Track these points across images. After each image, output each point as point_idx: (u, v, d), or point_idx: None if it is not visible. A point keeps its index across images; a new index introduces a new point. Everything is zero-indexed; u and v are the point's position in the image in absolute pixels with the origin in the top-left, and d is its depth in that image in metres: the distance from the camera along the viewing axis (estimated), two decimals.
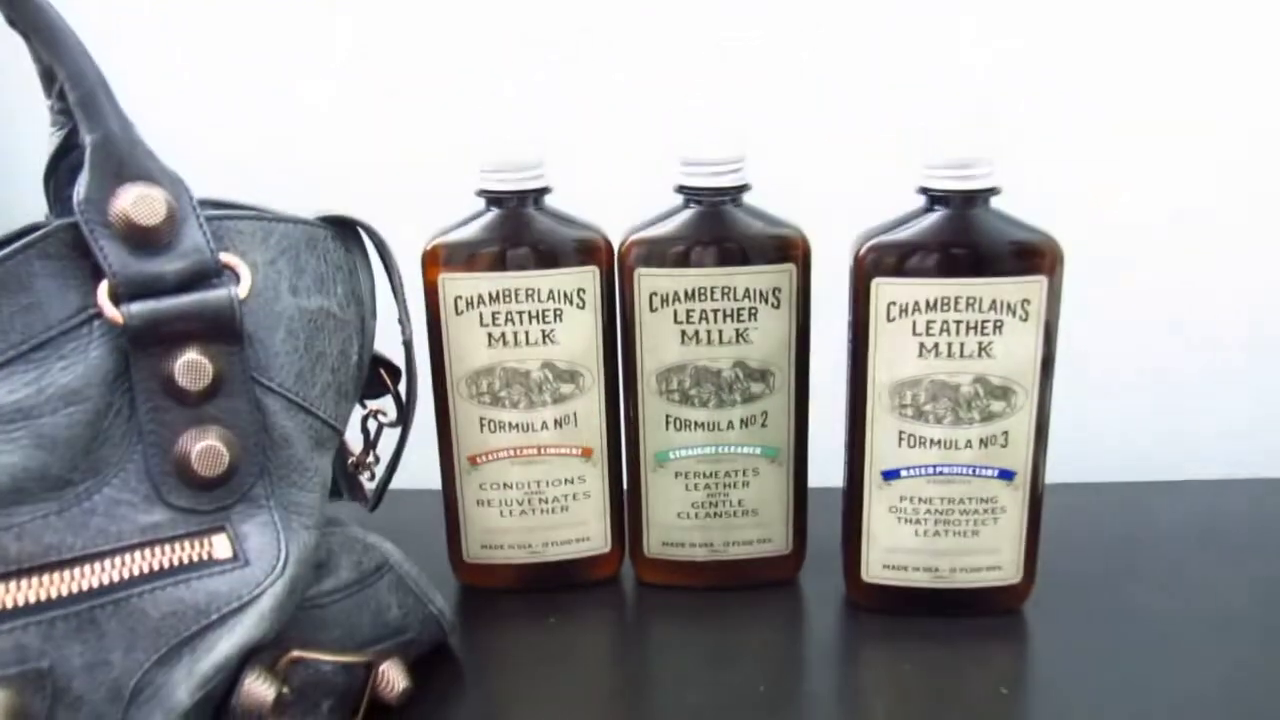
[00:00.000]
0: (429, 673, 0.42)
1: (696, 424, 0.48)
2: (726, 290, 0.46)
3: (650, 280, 0.46)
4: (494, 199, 0.47)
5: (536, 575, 0.50)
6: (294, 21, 0.65)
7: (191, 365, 0.35)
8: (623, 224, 0.47)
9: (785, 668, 0.45)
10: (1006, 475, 0.45)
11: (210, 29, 0.65)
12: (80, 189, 0.33)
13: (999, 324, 0.43)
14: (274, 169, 0.62)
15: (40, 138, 0.37)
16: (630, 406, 0.48)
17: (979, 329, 0.43)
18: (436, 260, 0.46)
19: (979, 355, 0.44)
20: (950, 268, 0.43)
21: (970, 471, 0.45)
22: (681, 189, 0.46)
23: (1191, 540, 0.54)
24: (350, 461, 0.45)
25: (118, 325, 0.33)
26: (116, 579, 0.33)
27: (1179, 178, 0.64)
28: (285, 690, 0.35)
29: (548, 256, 0.46)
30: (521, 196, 0.46)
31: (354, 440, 0.44)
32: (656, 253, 0.46)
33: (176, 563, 0.34)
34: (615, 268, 0.47)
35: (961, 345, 0.43)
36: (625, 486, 0.50)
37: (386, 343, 0.43)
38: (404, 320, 0.42)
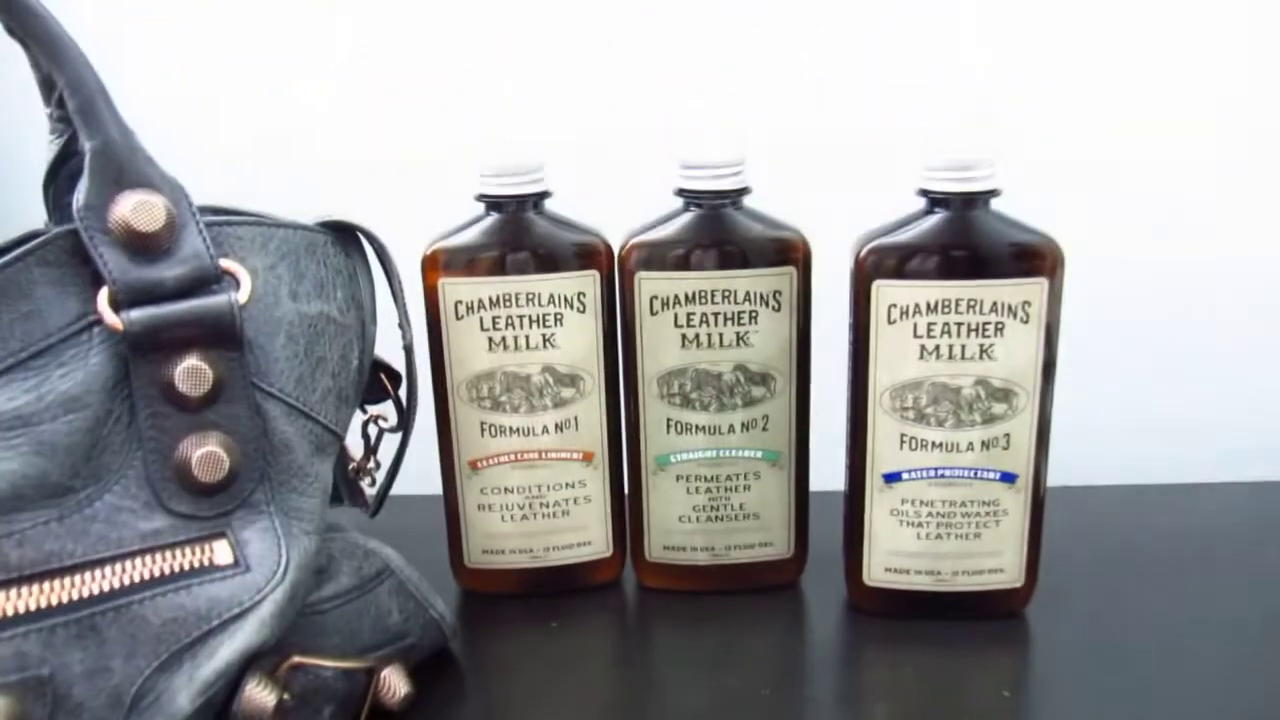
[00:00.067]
0: (430, 678, 0.42)
1: (697, 427, 0.48)
2: (727, 293, 0.46)
3: (650, 284, 0.46)
4: (494, 203, 0.47)
5: (537, 580, 0.50)
6: (294, 22, 0.65)
7: (191, 371, 0.35)
8: (623, 228, 0.47)
9: (787, 672, 0.45)
10: (1008, 478, 0.45)
11: (210, 29, 0.65)
12: (80, 196, 0.33)
13: (1000, 326, 0.43)
14: (273, 172, 0.62)
15: (39, 145, 0.37)
16: (631, 410, 0.48)
17: (980, 331, 0.43)
18: (436, 265, 0.46)
19: (980, 357, 0.43)
20: (951, 270, 0.43)
21: (972, 474, 0.45)
22: (681, 192, 0.46)
23: (1193, 543, 0.54)
24: (351, 467, 0.45)
25: (118, 332, 0.33)
26: (117, 585, 0.33)
27: (1179, 178, 0.64)
28: (286, 696, 0.35)
29: (548, 260, 0.46)
30: (521, 201, 0.46)
31: (354, 446, 0.44)
32: (657, 256, 0.46)
33: (177, 569, 0.34)
34: (615, 271, 0.47)
35: (962, 347, 0.43)
36: (626, 490, 0.50)
37: (387, 348, 0.43)
38: (404, 325, 0.42)
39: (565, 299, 0.46)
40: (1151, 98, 0.63)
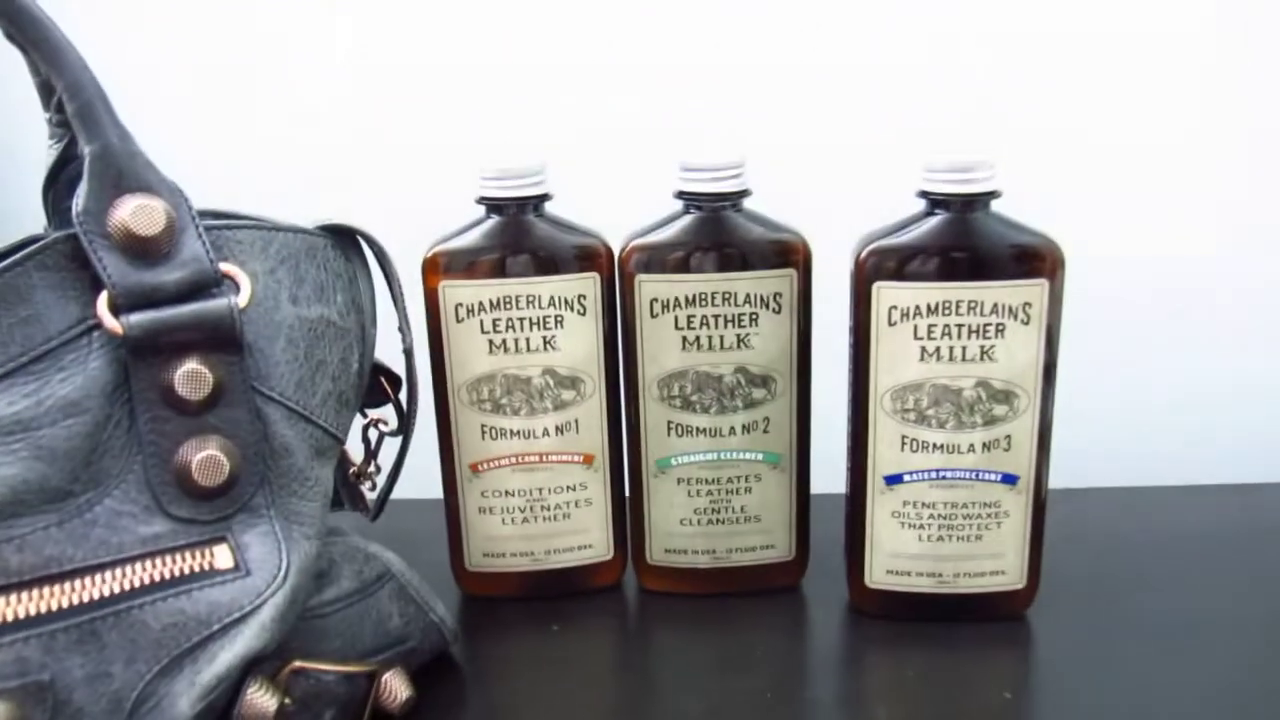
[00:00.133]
0: (431, 682, 0.42)
1: (698, 430, 0.48)
2: (727, 295, 0.46)
3: (651, 286, 0.46)
4: (494, 206, 0.46)
5: (538, 583, 0.50)
6: (294, 23, 0.65)
7: (191, 375, 0.34)
8: (623, 230, 0.47)
9: (789, 674, 0.45)
10: (1010, 479, 0.45)
11: (209, 32, 0.65)
12: (79, 200, 0.33)
13: (1000, 327, 0.43)
14: (272, 175, 0.62)
15: (39, 150, 0.37)
16: (631, 413, 0.48)
17: (980, 333, 0.43)
18: (437, 268, 0.46)
19: (981, 359, 0.43)
20: (951, 271, 0.43)
21: (973, 476, 0.45)
22: (681, 194, 0.46)
23: (1195, 545, 0.54)
24: (351, 471, 0.45)
25: (117, 336, 0.33)
26: (117, 590, 0.33)
27: (1179, 178, 0.64)
28: (287, 701, 0.35)
29: (548, 263, 0.46)
30: (521, 203, 0.46)
31: (355, 450, 0.44)
32: (657, 258, 0.46)
33: (177, 573, 0.34)
34: (616, 274, 0.47)
35: (963, 349, 0.43)
36: (627, 493, 0.50)
37: (387, 351, 0.43)
38: (404, 328, 0.42)
39: (566, 301, 0.46)
40: (1151, 98, 0.63)
